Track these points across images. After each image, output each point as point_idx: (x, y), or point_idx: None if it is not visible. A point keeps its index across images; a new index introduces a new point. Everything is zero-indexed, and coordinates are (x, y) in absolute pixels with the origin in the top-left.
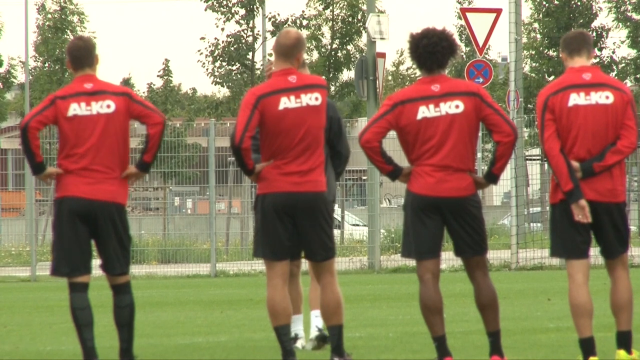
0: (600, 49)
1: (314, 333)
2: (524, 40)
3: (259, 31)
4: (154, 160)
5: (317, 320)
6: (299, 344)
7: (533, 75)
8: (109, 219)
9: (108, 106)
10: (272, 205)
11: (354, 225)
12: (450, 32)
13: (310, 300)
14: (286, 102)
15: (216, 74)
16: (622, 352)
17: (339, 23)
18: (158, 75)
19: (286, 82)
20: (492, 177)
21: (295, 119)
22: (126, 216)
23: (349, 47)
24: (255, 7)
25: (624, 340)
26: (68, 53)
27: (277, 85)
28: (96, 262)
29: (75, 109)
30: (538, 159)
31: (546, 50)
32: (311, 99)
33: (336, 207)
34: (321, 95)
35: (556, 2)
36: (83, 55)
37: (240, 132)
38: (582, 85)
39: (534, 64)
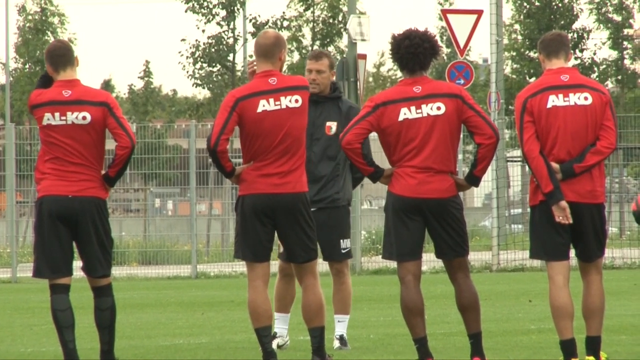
0: (582, 51)
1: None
2: (505, 41)
3: (239, 32)
4: (118, 177)
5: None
6: (275, 343)
7: (514, 76)
8: (89, 219)
9: (84, 117)
10: (251, 206)
11: None
12: (432, 34)
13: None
14: (265, 105)
15: (197, 75)
16: (591, 358)
17: (320, 24)
18: (139, 77)
19: (266, 84)
20: (474, 179)
21: (274, 121)
22: (107, 217)
23: (329, 49)
24: (236, 8)
25: (593, 346)
26: (47, 55)
27: (256, 88)
28: (77, 264)
29: (49, 118)
30: (519, 161)
31: (527, 51)
32: (291, 101)
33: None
34: (302, 97)
35: (537, 3)
36: (62, 54)
37: (217, 135)
38: (560, 87)
39: (515, 66)
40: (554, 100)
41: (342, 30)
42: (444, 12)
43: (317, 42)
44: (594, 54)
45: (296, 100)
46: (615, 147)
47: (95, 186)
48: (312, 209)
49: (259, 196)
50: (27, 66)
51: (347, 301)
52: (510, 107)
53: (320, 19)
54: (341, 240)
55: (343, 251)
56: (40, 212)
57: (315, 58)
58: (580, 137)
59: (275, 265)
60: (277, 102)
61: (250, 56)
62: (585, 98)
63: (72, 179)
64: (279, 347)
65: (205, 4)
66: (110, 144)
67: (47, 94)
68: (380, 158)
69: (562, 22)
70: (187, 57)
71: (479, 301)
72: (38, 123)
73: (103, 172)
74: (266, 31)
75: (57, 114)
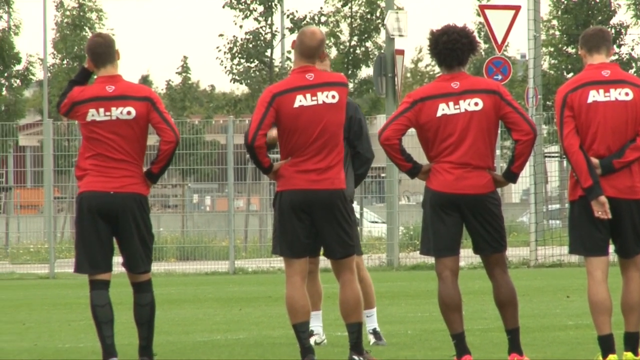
0: (619, 46)
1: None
2: (543, 37)
3: (277, 28)
4: (161, 174)
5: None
6: (313, 340)
7: (552, 72)
8: (130, 215)
9: (129, 112)
10: (289, 202)
11: (372, 222)
12: (470, 29)
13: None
14: (302, 100)
15: (235, 71)
16: (629, 354)
17: (358, 20)
18: (177, 72)
19: (303, 79)
20: (511, 175)
21: (311, 116)
22: (148, 213)
23: (367, 44)
24: (273, 4)
25: (632, 342)
26: (88, 51)
27: (293, 83)
28: (117, 260)
29: (94, 114)
30: (557, 156)
31: (565, 47)
32: (328, 96)
33: (355, 204)
34: (339, 93)
35: None
36: (104, 52)
37: (254, 130)
38: (601, 82)
39: (552, 61)
40: (595, 96)
41: (379, 25)
42: (482, 8)
43: (355, 38)
44: (632, 49)
45: (333, 96)
46: None
47: (137, 182)
48: None
49: (296, 192)
50: (65, 62)
51: (368, 296)
52: (547, 102)
53: (358, 14)
54: None
55: None
56: (81, 208)
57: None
58: (620, 132)
59: None
60: (314, 98)
61: (289, 52)
62: (627, 94)
63: (114, 175)
64: (316, 344)
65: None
66: (151, 140)
67: (90, 90)
68: (418, 154)
69: (600, 18)
70: (224, 52)
71: (516, 297)
72: (80, 119)
73: (144, 169)
74: (314, 31)
75: (101, 110)
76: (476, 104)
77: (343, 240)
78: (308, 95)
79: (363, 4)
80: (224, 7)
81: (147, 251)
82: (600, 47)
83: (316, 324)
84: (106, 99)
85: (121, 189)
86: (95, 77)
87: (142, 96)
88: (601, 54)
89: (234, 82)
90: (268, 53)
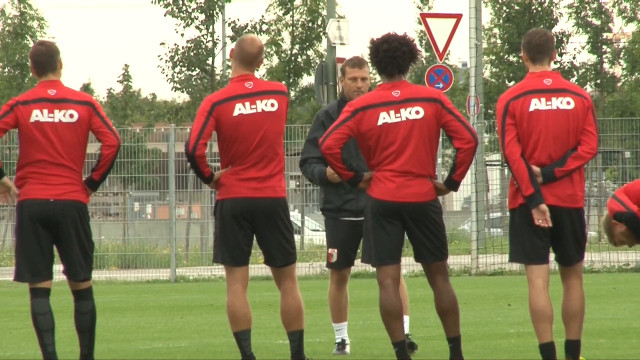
0: (561, 55)
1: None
2: (484, 45)
3: (218, 36)
4: (102, 181)
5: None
6: (348, 349)
7: (493, 80)
8: (71, 223)
9: (71, 115)
10: (230, 210)
11: (314, 230)
12: (410, 38)
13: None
14: (241, 109)
15: (176, 79)
16: None
17: (299, 28)
18: (118, 81)
19: (242, 88)
20: (453, 183)
21: (251, 125)
22: (89, 221)
23: (309, 53)
24: (214, 12)
25: (573, 350)
26: (31, 58)
27: (233, 92)
28: (58, 268)
29: (38, 115)
30: (498, 164)
31: (506, 55)
32: (267, 105)
33: (296, 212)
34: (278, 102)
35: (516, 7)
36: (46, 60)
37: (194, 140)
38: (543, 91)
39: (494, 70)
40: (536, 104)
41: (321, 34)
42: (423, 16)
43: (297, 46)
44: (574, 58)
45: (272, 105)
46: (597, 152)
47: (77, 190)
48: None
49: (237, 200)
50: (6, 70)
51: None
52: (489, 111)
53: (300, 23)
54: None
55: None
56: (21, 216)
57: (359, 65)
58: (561, 141)
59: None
60: (253, 106)
61: (229, 60)
62: (568, 102)
63: (53, 183)
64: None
65: (184, 7)
66: (91, 149)
67: (33, 92)
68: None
69: (542, 26)
70: (166, 61)
71: (458, 305)
72: (23, 121)
73: (84, 177)
74: (253, 39)
75: (45, 111)
76: (417, 112)
77: (284, 248)
78: (247, 104)
79: (305, 12)
80: (165, 15)
81: (87, 259)
82: (543, 58)
83: (345, 335)
84: (49, 100)
85: (61, 197)
86: (37, 83)
87: (84, 100)
88: (544, 63)
89: (175, 90)
90: (209, 61)
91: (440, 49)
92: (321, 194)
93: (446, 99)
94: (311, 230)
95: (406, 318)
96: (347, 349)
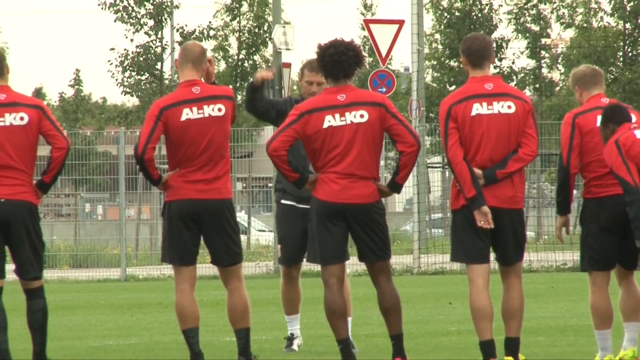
0: (500, 60)
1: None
2: (426, 50)
3: (167, 42)
4: (53, 183)
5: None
6: (296, 344)
7: (434, 85)
8: (22, 223)
9: (22, 118)
10: (177, 212)
11: (260, 230)
12: (357, 44)
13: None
14: (188, 113)
15: (126, 83)
16: (509, 359)
17: (246, 34)
18: (69, 85)
19: (190, 93)
20: (396, 185)
21: (198, 129)
22: (39, 221)
23: (255, 58)
24: (163, 18)
25: (511, 347)
26: None
27: (180, 97)
28: (10, 267)
29: None
30: (439, 167)
31: (447, 60)
32: (214, 109)
33: (243, 213)
34: (225, 106)
35: (457, 13)
36: None
37: (143, 144)
38: (484, 95)
39: (435, 74)
40: (478, 109)
41: (267, 39)
42: (367, 22)
43: (243, 52)
44: (513, 62)
45: (219, 109)
46: (537, 155)
47: (28, 191)
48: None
49: (185, 202)
50: None
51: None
52: (430, 114)
53: (246, 28)
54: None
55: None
56: None
57: (317, 70)
58: (502, 144)
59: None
60: (201, 111)
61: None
62: (509, 107)
63: (5, 183)
64: (298, 347)
65: (134, 14)
66: (41, 151)
67: None
68: None
69: (482, 32)
70: (116, 65)
71: (400, 303)
72: None
73: (35, 180)
74: (194, 42)
75: None
76: (362, 116)
77: (231, 248)
78: (195, 109)
79: (251, 18)
80: (115, 21)
81: (37, 258)
82: (483, 63)
83: (296, 327)
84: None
85: (12, 197)
86: None
87: (33, 104)
88: (484, 68)
89: (125, 94)
90: (158, 66)
91: (383, 54)
92: (277, 183)
93: (390, 103)
94: (257, 231)
95: (349, 319)
96: (295, 344)
